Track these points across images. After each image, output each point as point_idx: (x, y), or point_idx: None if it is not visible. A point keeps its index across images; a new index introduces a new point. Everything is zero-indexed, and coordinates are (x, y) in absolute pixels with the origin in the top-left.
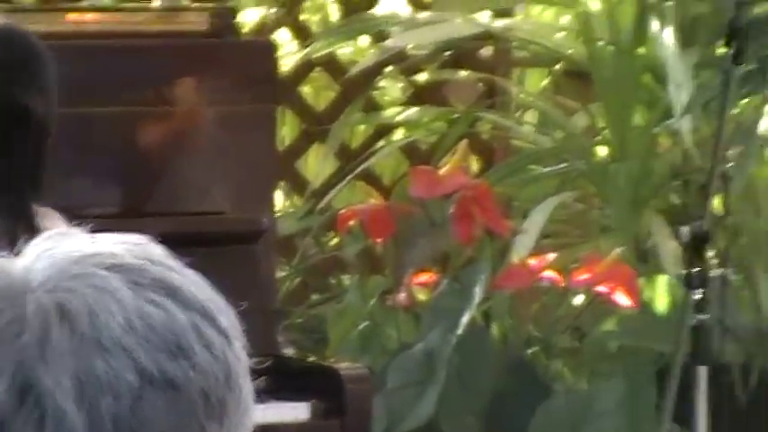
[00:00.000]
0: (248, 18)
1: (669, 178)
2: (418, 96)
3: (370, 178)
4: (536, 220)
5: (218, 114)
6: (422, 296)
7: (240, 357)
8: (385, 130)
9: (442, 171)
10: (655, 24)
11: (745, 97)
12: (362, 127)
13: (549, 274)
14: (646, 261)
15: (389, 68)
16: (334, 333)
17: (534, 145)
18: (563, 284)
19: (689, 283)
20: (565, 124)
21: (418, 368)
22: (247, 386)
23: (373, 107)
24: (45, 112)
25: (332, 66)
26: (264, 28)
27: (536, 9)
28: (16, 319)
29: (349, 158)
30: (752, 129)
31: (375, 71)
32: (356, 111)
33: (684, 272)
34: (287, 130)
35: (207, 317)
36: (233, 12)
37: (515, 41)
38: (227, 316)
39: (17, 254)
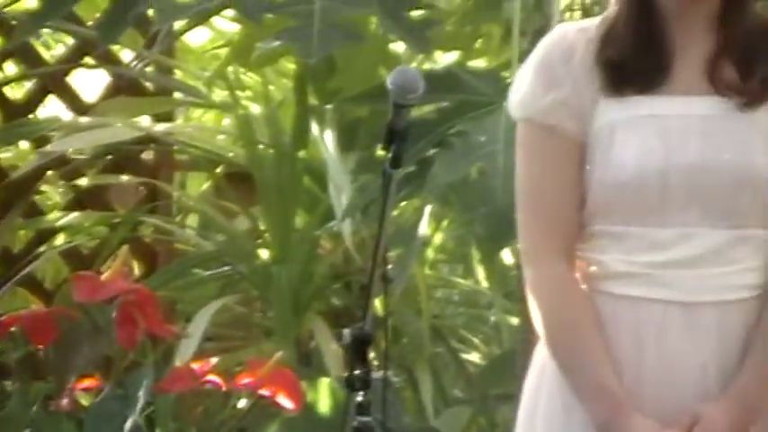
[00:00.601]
0: None
1: (330, 280)
2: (80, 201)
3: (32, 283)
4: (199, 324)
5: None
6: (85, 401)
7: None
8: (46, 234)
9: (105, 276)
10: (315, 128)
11: (404, 200)
12: (24, 232)
13: (212, 377)
14: (308, 364)
15: (51, 173)
16: None
17: (197, 248)
18: (226, 388)
19: (351, 384)
20: (227, 227)
21: None
22: None
23: (35, 212)
24: None
25: None
26: None
27: (197, 112)
28: None
29: (10, 263)
30: (412, 231)
31: (36, 175)
32: (17, 215)
33: (346, 374)
34: None
35: None
36: None
37: (177, 145)
38: None
39: None
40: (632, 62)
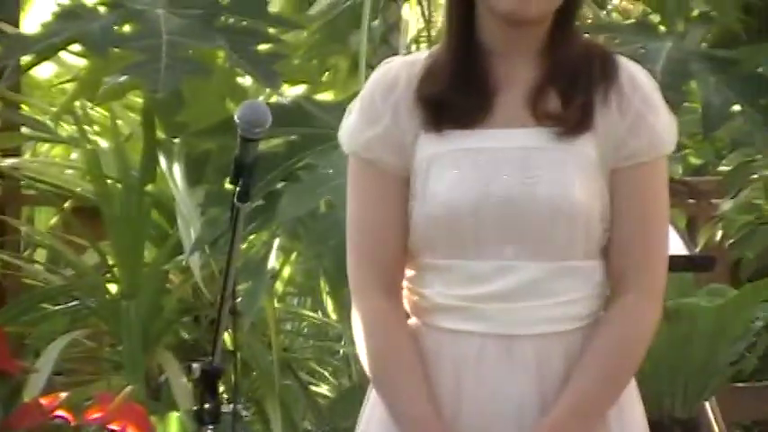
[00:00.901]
0: None
1: (180, 314)
2: None
3: None
4: (48, 359)
5: None
6: None
7: None
8: None
9: None
10: (163, 162)
11: (253, 233)
12: None
13: (61, 412)
14: (158, 398)
15: None
16: None
17: (45, 283)
18: (76, 423)
19: (201, 418)
20: (75, 262)
21: None
22: None
23: None
24: None
25: None
26: None
27: (44, 147)
28: None
29: None
30: (261, 264)
31: None
32: None
33: (196, 408)
34: None
35: None
36: None
37: (24, 180)
38: None
39: None
40: (451, 99)
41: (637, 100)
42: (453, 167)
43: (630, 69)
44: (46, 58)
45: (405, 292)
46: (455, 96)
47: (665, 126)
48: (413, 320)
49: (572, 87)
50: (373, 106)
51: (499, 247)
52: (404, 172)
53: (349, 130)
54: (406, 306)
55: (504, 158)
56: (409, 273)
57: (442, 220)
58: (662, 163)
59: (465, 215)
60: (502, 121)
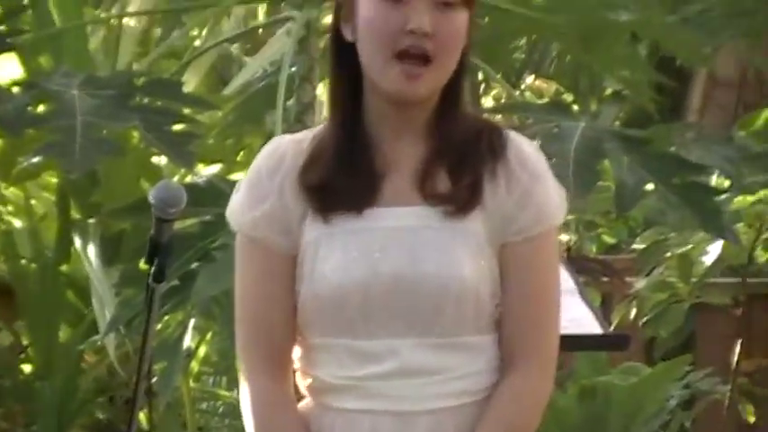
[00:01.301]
0: None
1: (95, 394)
2: None
3: None
4: None
5: None
6: None
7: None
8: None
9: None
10: (78, 241)
11: (168, 313)
12: None
13: None
14: None
15: None
16: None
17: None
18: None
19: None
20: None
21: None
22: None
23: None
24: None
25: None
26: None
27: None
28: None
29: None
30: (176, 344)
31: None
32: None
33: None
34: None
35: None
36: None
37: None
38: None
39: None
40: (336, 185)
41: (525, 175)
42: (341, 248)
43: (518, 144)
44: None
45: (298, 373)
46: (340, 182)
47: (552, 199)
48: (307, 401)
49: (460, 165)
50: (260, 184)
51: (388, 325)
52: (291, 250)
53: (236, 207)
54: (301, 386)
55: (392, 238)
56: (299, 352)
57: (331, 301)
58: (551, 235)
59: (353, 296)
60: (390, 200)
